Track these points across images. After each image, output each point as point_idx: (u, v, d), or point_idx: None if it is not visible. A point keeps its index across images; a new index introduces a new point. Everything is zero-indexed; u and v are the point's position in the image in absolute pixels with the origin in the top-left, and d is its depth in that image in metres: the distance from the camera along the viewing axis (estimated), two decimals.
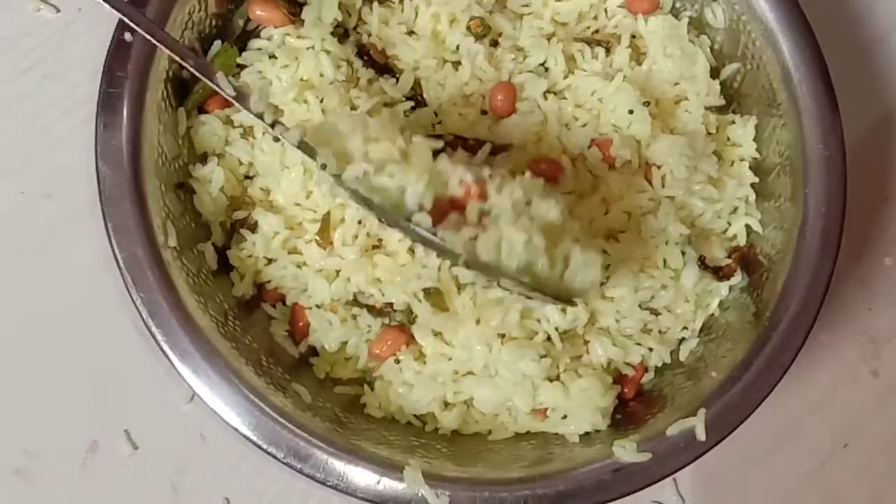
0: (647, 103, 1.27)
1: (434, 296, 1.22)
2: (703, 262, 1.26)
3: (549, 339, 1.22)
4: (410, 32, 1.32)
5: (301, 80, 1.25)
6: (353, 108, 1.25)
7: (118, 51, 1.18)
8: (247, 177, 1.28)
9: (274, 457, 1.13)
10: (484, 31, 1.29)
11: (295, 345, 1.26)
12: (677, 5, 1.35)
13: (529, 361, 1.19)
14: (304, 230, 1.25)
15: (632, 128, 1.27)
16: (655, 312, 1.26)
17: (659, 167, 1.26)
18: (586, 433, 1.22)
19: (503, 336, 1.20)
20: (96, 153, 1.16)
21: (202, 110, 1.27)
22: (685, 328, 1.28)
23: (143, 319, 1.14)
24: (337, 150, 1.11)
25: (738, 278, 1.28)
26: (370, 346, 1.24)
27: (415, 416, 1.24)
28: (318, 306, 1.25)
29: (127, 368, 1.27)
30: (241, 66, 1.27)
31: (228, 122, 1.26)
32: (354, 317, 1.25)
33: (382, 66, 1.30)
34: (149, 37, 1.14)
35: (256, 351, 1.20)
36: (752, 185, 1.30)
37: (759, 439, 1.32)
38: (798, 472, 1.34)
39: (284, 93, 1.24)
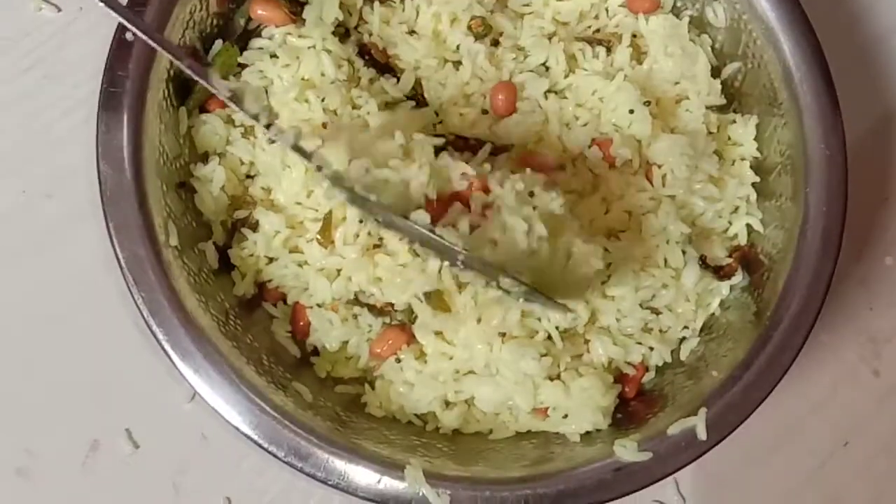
0: (647, 103, 1.27)
1: (434, 298, 1.21)
2: (703, 262, 1.26)
3: (549, 338, 1.22)
4: (411, 32, 1.32)
5: (302, 79, 1.25)
6: (355, 107, 1.25)
7: (119, 50, 1.18)
8: (248, 176, 1.28)
9: (275, 456, 1.13)
10: (485, 31, 1.29)
11: (296, 344, 1.26)
12: (678, 4, 1.35)
13: (530, 360, 1.19)
14: (306, 229, 1.25)
15: (632, 127, 1.27)
16: (656, 312, 1.26)
17: (659, 166, 1.26)
18: (587, 432, 1.22)
19: (504, 335, 1.20)
20: (97, 153, 1.16)
21: (203, 109, 1.27)
22: (686, 327, 1.28)
23: (144, 319, 1.14)
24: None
25: (738, 278, 1.28)
26: (371, 346, 1.24)
27: (416, 415, 1.24)
28: (319, 305, 1.25)
29: (128, 368, 1.27)
30: (243, 66, 1.27)
31: (230, 121, 1.26)
32: (355, 316, 1.25)
33: (383, 66, 1.30)
34: (144, 37, 1.13)
35: (257, 350, 1.20)
36: (753, 184, 1.30)
37: (759, 439, 1.32)
38: (798, 472, 1.34)
39: (286, 92, 1.24)
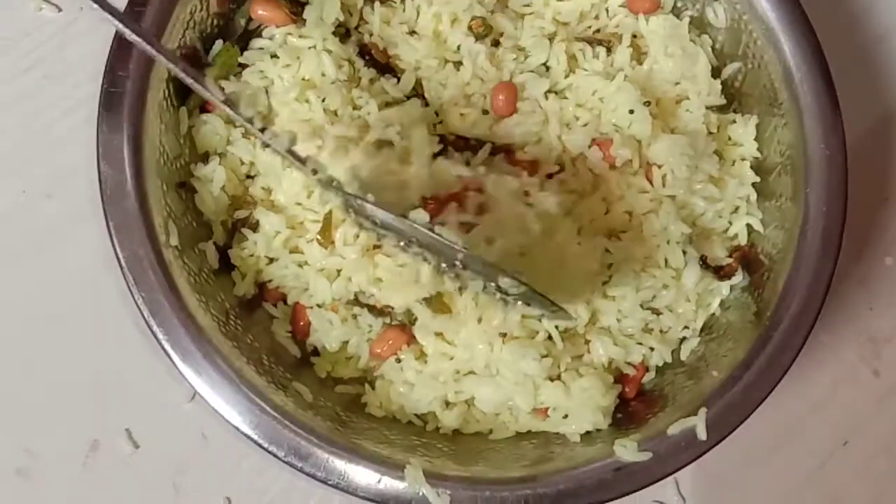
0: (647, 103, 1.27)
1: (434, 302, 1.22)
2: (704, 262, 1.27)
3: (550, 338, 1.22)
4: (412, 32, 1.32)
5: (303, 79, 1.25)
6: (356, 107, 1.25)
7: (120, 50, 1.18)
8: (248, 176, 1.28)
9: (275, 456, 1.13)
10: (485, 31, 1.29)
11: (296, 344, 1.26)
12: (678, 5, 1.35)
13: (530, 361, 1.19)
14: (306, 229, 1.25)
15: (632, 127, 1.27)
16: (657, 312, 1.26)
17: (660, 167, 1.27)
18: (587, 432, 1.22)
19: (504, 335, 1.20)
20: (98, 153, 1.16)
21: (204, 110, 1.27)
22: (686, 327, 1.28)
23: (144, 319, 1.14)
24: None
25: (739, 278, 1.28)
26: (371, 346, 1.24)
27: (416, 415, 1.24)
28: (319, 306, 1.25)
29: (128, 368, 1.27)
30: (243, 66, 1.27)
31: (230, 121, 1.26)
32: (355, 316, 1.25)
33: (384, 66, 1.30)
34: (137, 41, 1.12)
35: (258, 350, 1.20)
36: (754, 184, 1.30)
37: (759, 439, 1.32)
38: (798, 472, 1.34)
39: (286, 92, 1.24)
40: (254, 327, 1.23)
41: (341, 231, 1.22)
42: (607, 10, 1.34)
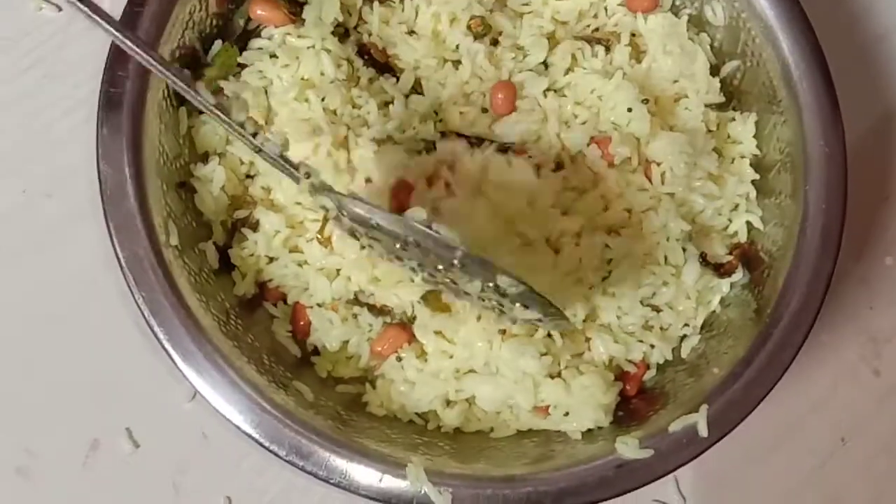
0: (646, 101, 1.27)
1: (432, 300, 1.22)
2: (704, 259, 1.27)
3: (549, 335, 1.22)
4: (411, 32, 1.32)
5: (302, 79, 1.25)
6: (355, 106, 1.25)
7: (119, 50, 1.17)
8: (248, 176, 1.28)
9: (276, 455, 1.13)
10: (484, 30, 1.30)
11: (296, 344, 1.26)
12: (677, 3, 1.35)
13: (530, 359, 1.19)
14: (306, 229, 1.25)
15: (631, 125, 1.27)
16: (657, 309, 1.26)
17: (659, 164, 1.26)
18: (588, 430, 1.22)
19: (504, 332, 1.20)
20: (98, 153, 1.16)
21: None
22: (687, 325, 1.28)
23: (145, 319, 1.14)
24: None
25: (739, 275, 1.28)
26: (372, 344, 1.24)
27: (417, 413, 1.24)
28: (319, 305, 1.25)
29: (128, 367, 1.27)
30: (242, 66, 1.27)
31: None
32: (355, 316, 1.25)
33: (383, 66, 1.30)
34: (124, 45, 1.11)
35: (258, 350, 1.20)
36: (753, 181, 1.30)
37: (759, 438, 1.32)
38: (798, 472, 1.34)
39: (285, 92, 1.24)
40: (254, 327, 1.23)
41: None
42: (606, 9, 1.34)
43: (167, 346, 1.14)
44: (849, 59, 1.40)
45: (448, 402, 1.24)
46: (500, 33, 1.32)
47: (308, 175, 1.10)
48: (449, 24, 1.30)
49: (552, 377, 1.21)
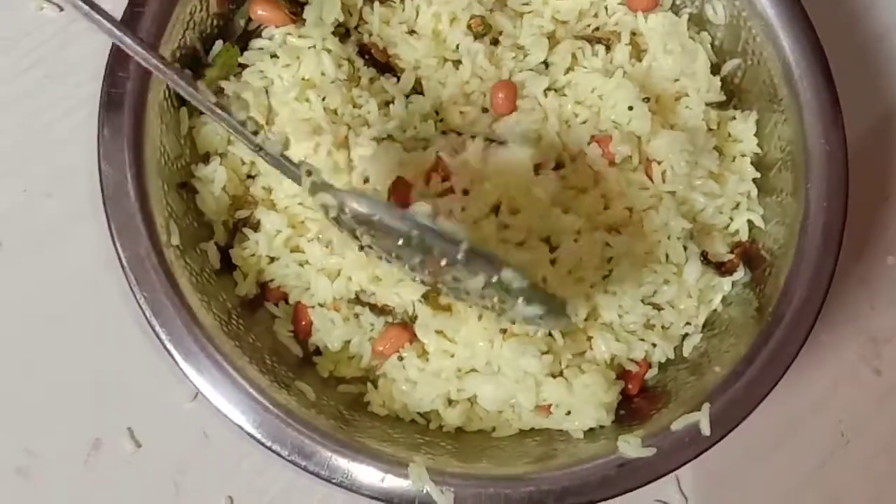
0: (646, 99, 1.27)
1: (433, 299, 1.22)
2: (705, 258, 1.27)
3: (550, 335, 1.21)
4: (411, 32, 1.32)
5: (303, 79, 1.25)
6: (356, 106, 1.25)
7: (120, 51, 1.17)
8: (249, 176, 1.28)
9: (278, 454, 1.13)
10: (484, 30, 1.30)
11: (298, 344, 1.26)
12: (677, 2, 1.35)
13: (531, 358, 1.19)
14: (307, 229, 1.25)
15: (632, 124, 1.27)
16: (658, 308, 1.26)
17: (659, 163, 1.26)
18: (590, 429, 1.22)
19: (505, 331, 1.20)
20: (99, 153, 1.16)
21: None
22: (688, 323, 1.28)
23: (146, 319, 1.14)
24: None
25: (740, 273, 1.28)
26: (373, 344, 1.24)
27: (418, 413, 1.24)
28: (320, 305, 1.25)
29: (129, 366, 1.27)
30: (243, 66, 1.27)
31: None
32: (357, 315, 1.24)
33: (384, 65, 1.30)
34: (123, 42, 1.10)
35: (260, 350, 1.20)
36: (754, 180, 1.30)
37: (760, 438, 1.32)
38: (799, 471, 1.34)
39: (286, 92, 1.24)
40: (256, 327, 1.23)
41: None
42: (606, 8, 1.35)
43: (169, 346, 1.13)
44: (849, 59, 1.40)
45: (450, 402, 1.23)
46: (501, 33, 1.32)
47: (309, 173, 1.10)
48: (449, 23, 1.30)
49: (554, 376, 1.21)
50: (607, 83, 1.28)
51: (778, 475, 1.33)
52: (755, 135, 1.31)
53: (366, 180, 1.22)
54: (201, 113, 1.25)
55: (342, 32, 1.30)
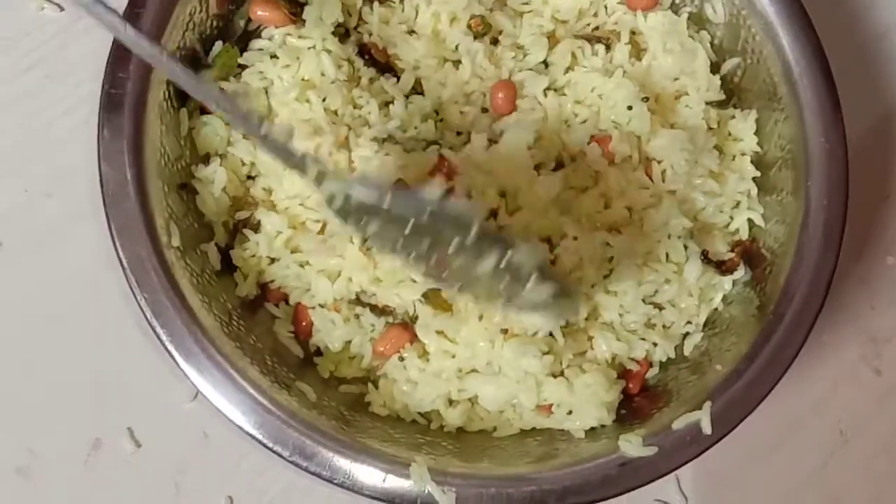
0: (646, 99, 1.27)
1: (433, 298, 1.22)
2: (706, 257, 1.26)
3: (551, 334, 1.21)
4: (411, 31, 1.32)
5: (303, 79, 1.25)
6: (356, 106, 1.25)
7: (120, 52, 1.18)
8: (249, 177, 1.28)
9: (280, 455, 1.12)
10: (484, 30, 1.30)
11: (299, 344, 1.26)
12: (677, 1, 1.35)
13: (531, 358, 1.19)
14: (307, 229, 1.25)
15: (631, 123, 1.27)
16: (659, 307, 1.26)
17: (659, 162, 1.27)
18: (592, 428, 1.21)
19: (506, 332, 1.20)
20: (99, 155, 1.16)
21: (204, 111, 1.27)
22: (689, 322, 1.28)
23: (147, 320, 1.14)
24: None
25: (741, 272, 1.28)
26: (374, 344, 1.24)
27: (419, 413, 1.24)
28: (321, 306, 1.25)
29: (129, 366, 1.27)
30: (243, 67, 1.27)
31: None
32: (357, 316, 1.24)
33: (383, 66, 1.30)
34: (127, 39, 1.07)
35: (261, 351, 1.20)
36: (754, 179, 1.30)
37: (760, 438, 1.32)
38: (799, 471, 1.34)
39: (286, 92, 1.24)
40: (256, 328, 1.23)
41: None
42: (606, 8, 1.35)
43: (170, 347, 1.13)
44: (849, 59, 1.40)
45: (451, 402, 1.23)
46: (500, 32, 1.32)
47: (316, 162, 1.08)
48: (449, 23, 1.30)
49: (555, 376, 1.21)
50: (607, 82, 1.28)
51: (778, 475, 1.33)
52: (755, 133, 1.31)
53: None
54: (201, 114, 1.26)
55: (342, 33, 1.30)
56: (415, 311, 1.23)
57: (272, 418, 1.13)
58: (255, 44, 1.29)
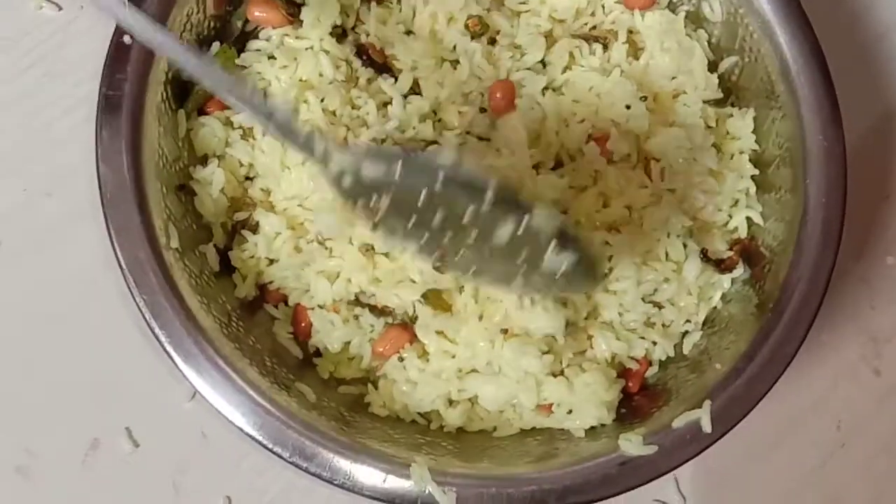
0: (644, 98, 1.27)
1: (433, 298, 1.22)
2: (705, 255, 1.26)
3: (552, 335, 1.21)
4: (408, 32, 1.32)
5: (300, 80, 1.25)
6: (354, 107, 1.25)
7: (117, 53, 1.18)
8: (247, 178, 1.28)
9: (280, 456, 1.12)
10: (482, 30, 1.30)
11: (298, 345, 1.26)
12: (674, 0, 1.35)
13: (531, 358, 1.19)
14: (306, 230, 1.25)
15: (630, 122, 1.27)
16: (658, 306, 1.26)
17: (658, 161, 1.27)
18: (592, 428, 1.21)
19: (506, 332, 1.20)
20: (97, 156, 1.16)
21: (202, 112, 1.27)
22: (688, 321, 1.28)
23: (146, 322, 1.14)
24: None
25: (740, 270, 1.28)
26: (374, 345, 1.24)
27: (419, 413, 1.24)
28: (320, 307, 1.25)
29: (128, 366, 1.27)
30: (241, 68, 1.27)
31: (228, 123, 1.26)
32: (357, 317, 1.24)
33: (381, 66, 1.30)
34: (127, 23, 1.03)
35: (260, 352, 1.20)
36: (753, 177, 1.30)
37: (759, 437, 1.32)
38: (798, 471, 1.34)
39: (284, 93, 1.24)
40: (255, 329, 1.23)
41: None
42: (603, 7, 1.35)
43: (169, 348, 1.13)
44: (849, 59, 1.40)
45: (450, 402, 1.23)
46: (498, 32, 1.32)
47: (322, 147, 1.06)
48: (446, 23, 1.30)
49: (554, 375, 1.21)
50: (605, 82, 1.28)
51: (777, 475, 1.33)
52: (753, 132, 1.30)
53: None
54: (199, 115, 1.26)
55: (339, 33, 1.30)
56: (414, 311, 1.23)
57: (272, 419, 1.12)
58: (253, 45, 1.29)
